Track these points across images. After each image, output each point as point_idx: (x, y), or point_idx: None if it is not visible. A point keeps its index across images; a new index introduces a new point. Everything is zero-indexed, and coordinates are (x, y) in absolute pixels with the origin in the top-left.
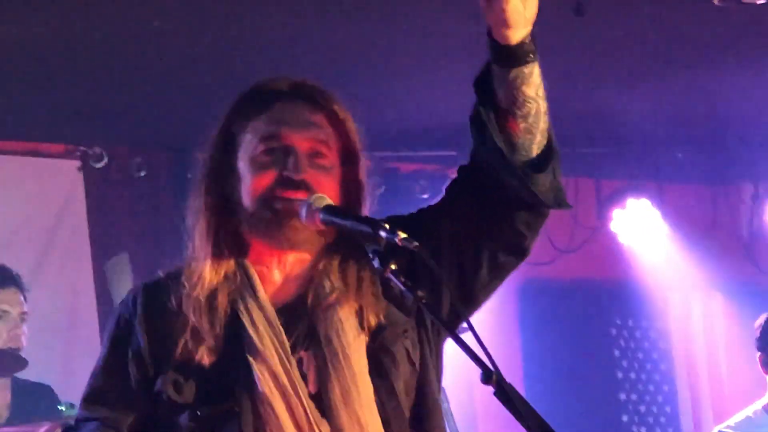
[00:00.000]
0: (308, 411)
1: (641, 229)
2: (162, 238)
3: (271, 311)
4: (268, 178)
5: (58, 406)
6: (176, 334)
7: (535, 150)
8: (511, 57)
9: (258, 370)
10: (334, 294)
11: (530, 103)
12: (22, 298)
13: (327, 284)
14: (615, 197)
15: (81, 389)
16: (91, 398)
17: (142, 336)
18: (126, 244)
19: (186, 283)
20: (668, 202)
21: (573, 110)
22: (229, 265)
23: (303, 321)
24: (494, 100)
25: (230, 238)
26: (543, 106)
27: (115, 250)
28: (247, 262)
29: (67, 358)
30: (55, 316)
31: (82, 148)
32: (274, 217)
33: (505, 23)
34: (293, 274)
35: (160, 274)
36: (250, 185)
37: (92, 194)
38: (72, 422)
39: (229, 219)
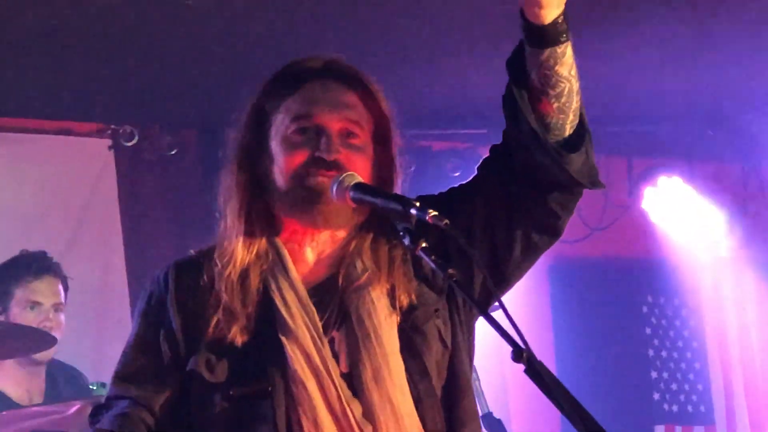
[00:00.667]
0: (340, 390)
1: (672, 206)
2: (193, 217)
3: (303, 291)
4: (301, 157)
5: (89, 385)
6: (208, 313)
7: (568, 129)
8: (544, 37)
9: (290, 350)
10: (366, 274)
11: (563, 82)
12: (60, 287)
13: (359, 264)
14: (646, 175)
15: (112, 368)
16: (122, 376)
17: (174, 314)
18: (157, 223)
19: (218, 262)
20: (700, 180)
21: (604, 88)
22: (261, 243)
23: (335, 301)
24: (527, 80)
25: (262, 217)
26: (576, 85)
27: (146, 229)
28: (279, 241)
29: (99, 336)
30: (87, 294)
31: (113, 126)
32: (307, 195)
33: (537, 3)
34: (325, 253)
35: (192, 252)
36: (282, 164)
37: (123, 173)
38: (103, 401)
39: (261, 198)
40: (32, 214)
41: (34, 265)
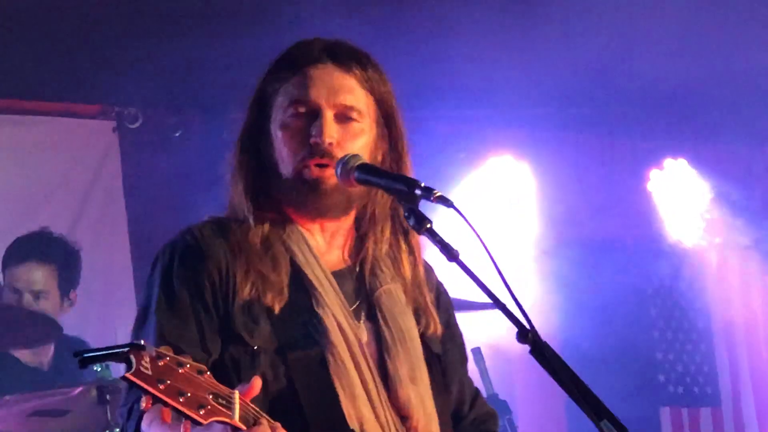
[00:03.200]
0: (372, 370)
1: (678, 188)
2: (197, 198)
3: (327, 271)
4: (298, 145)
5: (93, 367)
6: (239, 276)
7: None
8: None
9: (327, 323)
10: (395, 282)
11: None
12: (44, 273)
13: (385, 269)
14: (652, 157)
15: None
16: (167, 334)
17: (212, 276)
18: (160, 204)
19: (237, 230)
20: (705, 162)
21: (612, 72)
22: (273, 216)
23: (361, 292)
24: None
25: (268, 198)
26: None
27: (150, 210)
28: (293, 217)
29: (102, 316)
30: (91, 274)
31: (117, 108)
32: (304, 188)
33: None
34: (337, 240)
35: (207, 218)
36: (281, 150)
37: (127, 154)
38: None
39: (266, 179)
40: (37, 195)
41: (18, 249)
